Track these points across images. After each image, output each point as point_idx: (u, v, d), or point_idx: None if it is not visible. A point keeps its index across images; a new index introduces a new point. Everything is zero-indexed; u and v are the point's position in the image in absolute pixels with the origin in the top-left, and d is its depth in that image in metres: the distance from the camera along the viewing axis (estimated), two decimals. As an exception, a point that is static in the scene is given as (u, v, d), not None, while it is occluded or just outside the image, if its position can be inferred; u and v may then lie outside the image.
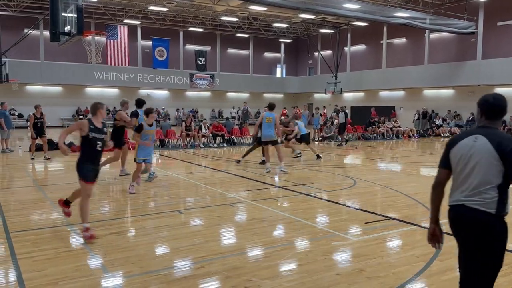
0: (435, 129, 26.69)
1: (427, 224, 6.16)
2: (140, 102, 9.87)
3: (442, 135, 26.00)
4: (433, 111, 28.68)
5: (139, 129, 8.25)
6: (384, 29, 32.26)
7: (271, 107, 11.20)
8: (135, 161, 8.38)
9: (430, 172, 12.27)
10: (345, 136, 20.15)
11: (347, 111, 21.23)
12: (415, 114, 28.69)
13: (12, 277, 4.26)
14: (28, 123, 13.81)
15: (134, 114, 9.51)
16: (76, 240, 5.47)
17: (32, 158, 13.11)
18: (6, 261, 4.70)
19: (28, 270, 4.38)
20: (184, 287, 4.05)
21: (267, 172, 10.81)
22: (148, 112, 8.40)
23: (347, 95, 35.78)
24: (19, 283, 4.09)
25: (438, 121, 27.65)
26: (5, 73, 21.17)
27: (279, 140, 11.79)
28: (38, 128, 13.40)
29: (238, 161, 12.42)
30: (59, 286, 4.03)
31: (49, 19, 11.65)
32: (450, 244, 5.29)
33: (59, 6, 11.55)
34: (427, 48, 29.61)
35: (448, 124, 27.30)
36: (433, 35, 29.49)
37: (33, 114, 13.44)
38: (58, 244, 5.28)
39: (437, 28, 24.37)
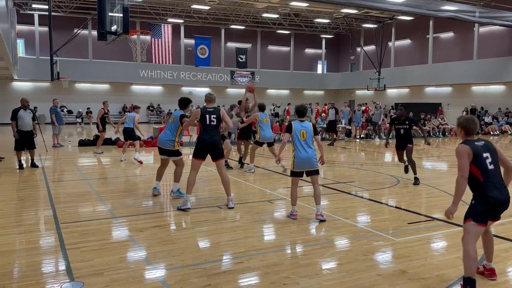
0: (484, 127, 25.54)
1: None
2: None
3: (491, 133, 24.86)
4: (482, 108, 27.46)
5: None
6: (431, 23, 31.17)
7: (262, 108, 10.87)
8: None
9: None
10: (334, 136, 18.81)
11: (336, 107, 20.02)
12: (463, 111, 27.58)
13: (62, 266, 4.47)
14: (96, 116, 14.73)
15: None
16: (121, 233, 5.67)
17: (101, 152, 14.14)
18: (56, 251, 4.94)
19: (76, 260, 4.59)
20: (224, 282, 4.10)
21: (252, 172, 10.63)
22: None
23: (391, 92, 34.90)
24: (67, 272, 4.29)
25: (487, 119, 26.45)
26: (56, 72, 22.16)
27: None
28: (105, 123, 14.43)
29: (242, 165, 11.59)
30: (104, 276, 4.19)
31: (97, 19, 12.07)
32: (498, 247, 5.09)
33: (106, 7, 11.93)
34: (476, 42, 28.34)
35: (498, 122, 26.06)
36: (483, 29, 28.18)
37: (102, 109, 14.43)
38: (103, 236, 5.49)
39: (487, 21, 23.26)
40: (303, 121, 6.37)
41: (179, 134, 7.63)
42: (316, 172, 6.28)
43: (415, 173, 9.21)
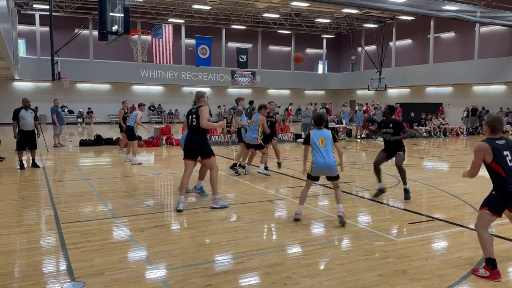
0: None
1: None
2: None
3: (493, 133, 24.79)
4: (483, 108, 27.43)
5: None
6: (432, 23, 31.16)
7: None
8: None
9: (480, 172, 11.73)
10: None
11: (327, 107, 19.91)
12: (464, 111, 27.58)
13: (63, 266, 4.47)
14: (118, 118, 14.25)
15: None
16: (122, 232, 5.67)
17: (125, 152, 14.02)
18: (56, 250, 4.95)
19: (77, 260, 4.59)
20: (225, 281, 4.10)
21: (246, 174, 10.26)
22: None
23: (392, 91, 34.88)
24: (68, 272, 4.29)
25: (488, 119, 26.40)
26: (57, 72, 22.15)
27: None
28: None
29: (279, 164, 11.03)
30: (105, 276, 4.19)
31: (98, 19, 12.08)
32: (499, 247, 5.09)
33: (107, 7, 11.94)
34: (477, 42, 28.33)
35: (500, 121, 26.01)
36: (484, 29, 28.17)
37: (122, 109, 14.28)
38: (104, 236, 5.49)
39: (489, 21, 23.22)
40: (321, 129, 6.31)
41: None
42: (337, 177, 6.22)
43: (404, 183, 7.71)
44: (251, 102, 14.42)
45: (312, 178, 6.30)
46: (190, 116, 6.89)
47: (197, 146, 6.83)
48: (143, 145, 15.98)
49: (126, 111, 14.32)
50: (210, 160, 6.90)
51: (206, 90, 36.36)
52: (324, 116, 6.55)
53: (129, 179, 9.91)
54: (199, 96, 7.02)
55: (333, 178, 6.24)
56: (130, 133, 12.24)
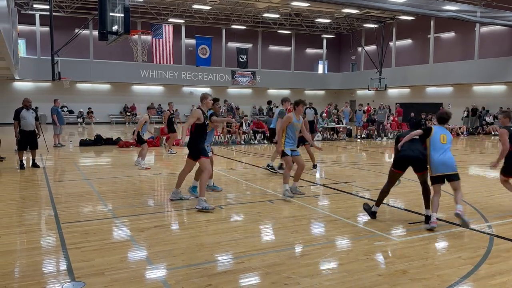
0: (485, 127, 25.51)
1: (475, 226, 5.95)
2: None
3: (492, 133, 24.83)
4: (483, 108, 27.43)
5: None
6: (432, 23, 31.15)
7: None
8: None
9: (479, 172, 11.75)
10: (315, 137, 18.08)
11: (314, 107, 19.54)
12: (464, 111, 27.57)
13: (63, 266, 4.47)
14: (163, 119, 13.61)
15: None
16: (122, 232, 5.67)
17: (175, 153, 14.05)
18: (57, 250, 4.95)
19: (77, 260, 4.59)
20: (225, 281, 4.09)
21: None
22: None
23: (392, 91, 34.89)
24: (68, 272, 4.29)
25: (488, 119, 26.42)
26: (57, 72, 22.14)
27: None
28: (172, 123, 14.33)
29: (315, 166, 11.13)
30: (105, 276, 4.19)
31: (98, 19, 12.07)
32: (500, 247, 5.09)
33: (107, 7, 11.93)
34: (477, 42, 28.33)
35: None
36: (484, 29, 28.17)
37: (168, 110, 14.37)
38: (104, 235, 5.49)
39: (489, 21, 23.21)
40: (443, 127, 6.13)
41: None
42: (457, 177, 5.92)
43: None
44: (269, 102, 13.91)
45: (437, 180, 5.96)
46: None
47: (189, 147, 7.09)
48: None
49: (171, 112, 14.31)
50: (201, 161, 6.99)
51: (206, 90, 36.36)
52: (449, 113, 6.16)
53: (129, 179, 9.90)
54: (201, 98, 7.22)
55: (454, 178, 5.91)
56: (137, 137, 11.27)
